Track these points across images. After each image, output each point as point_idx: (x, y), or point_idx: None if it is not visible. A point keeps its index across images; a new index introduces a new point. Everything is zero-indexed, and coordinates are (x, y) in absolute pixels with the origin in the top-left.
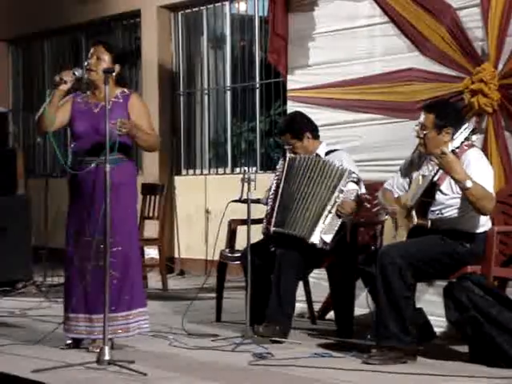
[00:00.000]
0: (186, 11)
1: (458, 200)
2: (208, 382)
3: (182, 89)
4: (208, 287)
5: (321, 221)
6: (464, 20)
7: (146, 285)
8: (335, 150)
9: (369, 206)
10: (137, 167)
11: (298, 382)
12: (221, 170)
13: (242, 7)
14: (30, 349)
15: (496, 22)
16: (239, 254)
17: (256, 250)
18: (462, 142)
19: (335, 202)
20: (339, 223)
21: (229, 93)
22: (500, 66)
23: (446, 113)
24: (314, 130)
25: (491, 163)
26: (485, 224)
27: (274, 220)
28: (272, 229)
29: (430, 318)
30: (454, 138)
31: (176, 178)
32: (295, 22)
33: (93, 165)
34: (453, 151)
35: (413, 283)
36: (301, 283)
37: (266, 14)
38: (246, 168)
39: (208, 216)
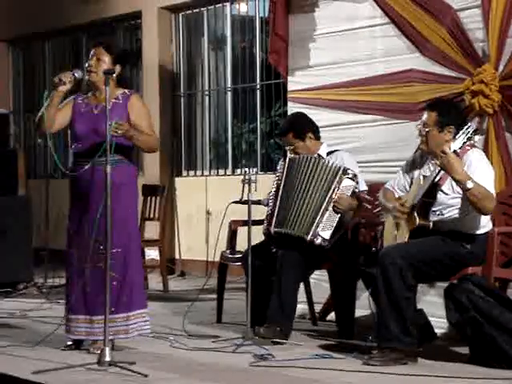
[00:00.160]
0: (187, 12)
1: (459, 200)
2: (208, 383)
3: (182, 90)
4: (209, 288)
5: (318, 218)
6: (465, 21)
7: (146, 286)
8: (336, 151)
9: (370, 207)
10: (137, 168)
11: (299, 383)
12: (221, 171)
13: (242, 8)
14: (30, 350)
15: (497, 23)
16: (240, 255)
17: (257, 251)
18: (465, 143)
19: (331, 198)
20: (337, 219)
21: (229, 94)
22: (501, 67)
23: (449, 111)
24: (315, 130)
25: (492, 164)
26: (486, 225)
27: (274, 220)
28: (273, 229)
29: (430, 319)
30: (456, 137)
31: (177, 179)
32: (296, 23)
33: (86, 167)
34: (454, 151)
35: (413, 284)
36: (302, 284)
37: (266, 15)
38: (246, 169)
39: (209, 217)
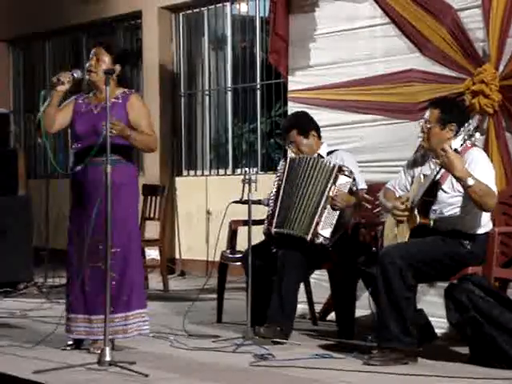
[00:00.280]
0: (187, 12)
1: (460, 198)
2: (209, 382)
3: (182, 90)
4: (209, 288)
5: (316, 217)
6: (465, 21)
7: (146, 286)
8: (336, 151)
9: (370, 206)
10: (137, 168)
11: (299, 382)
12: (222, 171)
13: (242, 8)
14: (30, 350)
15: (497, 23)
16: (240, 255)
17: (257, 251)
18: (466, 140)
19: (328, 196)
20: (336, 216)
21: (230, 94)
22: (501, 67)
23: (452, 109)
24: (317, 129)
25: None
26: (486, 225)
27: (275, 221)
28: (273, 230)
29: (430, 319)
30: (457, 135)
31: (177, 178)
32: (296, 22)
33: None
34: (455, 150)
35: (413, 284)
36: (302, 284)
37: (266, 14)
38: (246, 169)
39: (209, 217)
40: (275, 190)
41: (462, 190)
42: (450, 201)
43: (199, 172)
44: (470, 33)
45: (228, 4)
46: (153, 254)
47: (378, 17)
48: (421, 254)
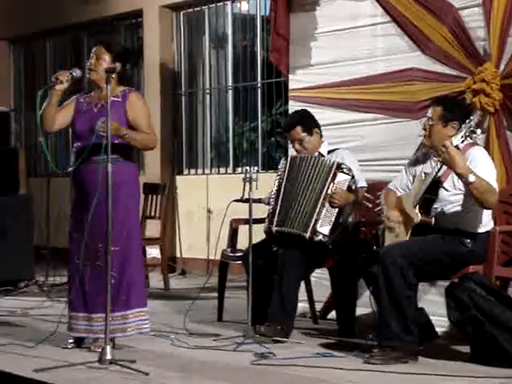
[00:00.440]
0: (188, 11)
1: (461, 197)
2: (209, 381)
3: (183, 88)
4: (209, 287)
5: (315, 215)
6: (466, 20)
7: (147, 284)
8: (337, 149)
9: (370, 205)
10: (137, 167)
11: (300, 381)
12: (222, 170)
13: (243, 7)
14: (31, 348)
15: (498, 21)
16: (241, 254)
17: (258, 250)
18: (467, 136)
19: (327, 194)
20: (335, 214)
21: (230, 92)
22: (502, 66)
23: (454, 107)
24: (319, 127)
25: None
26: (487, 224)
27: (276, 219)
28: (274, 228)
29: (431, 317)
30: (459, 131)
31: (178, 177)
32: (297, 21)
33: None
34: (456, 146)
35: (414, 283)
36: (302, 283)
37: (267, 13)
38: (247, 167)
39: (210, 215)
40: (276, 188)
41: (463, 188)
42: (451, 199)
43: (200, 170)
44: (471, 32)
45: (229, 3)
46: (153, 252)
47: (379, 15)
48: (422, 253)
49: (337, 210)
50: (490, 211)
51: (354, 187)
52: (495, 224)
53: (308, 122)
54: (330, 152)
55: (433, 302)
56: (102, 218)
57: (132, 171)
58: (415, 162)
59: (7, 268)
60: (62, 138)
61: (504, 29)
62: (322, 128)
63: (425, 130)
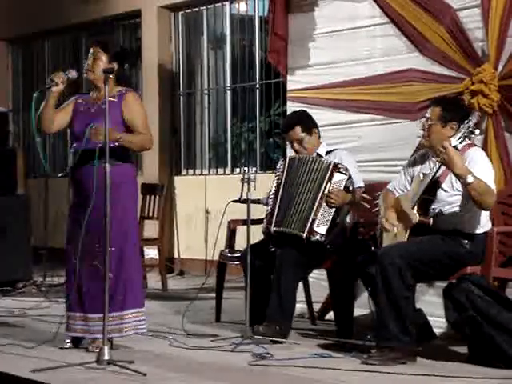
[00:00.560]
0: (187, 11)
1: (459, 197)
2: (208, 381)
3: (182, 89)
4: (208, 287)
5: (312, 215)
6: (464, 21)
7: (145, 285)
8: (335, 150)
9: (369, 206)
10: (135, 168)
11: (298, 382)
12: (221, 170)
13: (242, 7)
14: (29, 349)
15: (496, 22)
16: (239, 254)
17: (256, 251)
18: (466, 136)
19: (324, 194)
20: (332, 213)
21: (229, 93)
22: (500, 67)
23: (453, 108)
24: (318, 128)
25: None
26: (485, 225)
27: (274, 220)
28: (273, 229)
29: (429, 318)
30: (457, 132)
31: (176, 178)
32: (295, 22)
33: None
34: (455, 147)
35: (412, 284)
36: (300, 283)
37: (266, 14)
38: (245, 168)
39: (208, 216)
40: (274, 189)
41: (461, 188)
42: (449, 199)
43: (198, 171)
44: (469, 32)
45: (227, 3)
46: (151, 253)
47: (377, 16)
48: (420, 254)
49: (334, 209)
50: (487, 212)
51: (351, 187)
52: (493, 225)
53: (307, 122)
54: (328, 153)
55: (431, 303)
56: (99, 218)
57: (130, 172)
58: (414, 162)
59: (5, 268)
60: (60, 138)
61: (502, 30)
62: (321, 129)
63: (423, 130)
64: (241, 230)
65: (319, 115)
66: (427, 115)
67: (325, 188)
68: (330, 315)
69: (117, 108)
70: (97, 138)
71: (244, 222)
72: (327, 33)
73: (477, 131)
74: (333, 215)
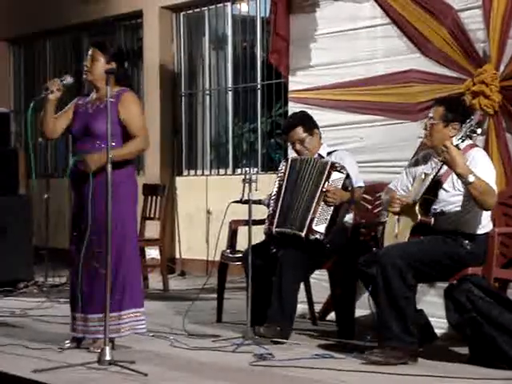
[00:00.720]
0: (188, 12)
1: (461, 198)
2: (208, 382)
3: (183, 89)
4: (209, 288)
5: (310, 214)
6: (465, 21)
7: (146, 285)
8: (336, 151)
9: (370, 207)
10: (135, 169)
11: (299, 382)
12: (222, 171)
13: (243, 8)
14: (30, 349)
15: (498, 23)
16: (240, 255)
17: (257, 251)
18: (467, 136)
19: (321, 192)
20: (330, 212)
21: (230, 93)
22: (501, 68)
23: (456, 108)
24: (319, 128)
25: None
26: (486, 225)
27: (276, 220)
28: (274, 229)
29: (430, 319)
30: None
31: (177, 178)
32: (297, 23)
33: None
34: (456, 146)
35: (413, 284)
36: (302, 284)
37: (267, 14)
38: (247, 169)
39: (209, 216)
40: (276, 189)
41: (462, 189)
42: (450, 199)
43: (199, 172)
44: (471, 33)
45: (229, 4)
46: (153, 253)
47: (379, 17)
48: (421, 254)
49: (332, 208)
50: (489, 213)
51: (349, 186)
52: (494, 226)
53: (308, 123)
54: (329, 153)
55: (432, 304)
56: (98, 218)
57: (130, 171)
58: (416, 163)
59: (6, 268)
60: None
61: (504, 30)
62: (322, 129)
63: (426, 129)
64: (242, 231)
65: (320, 116)
66: (430, 115)
67: (323, 187)
68: (331, 316)
69: (113, 108)
70: (88, 170)
71: (245, 223)
72: (328, 33)
73: (478, 130)
74: (331, 214)
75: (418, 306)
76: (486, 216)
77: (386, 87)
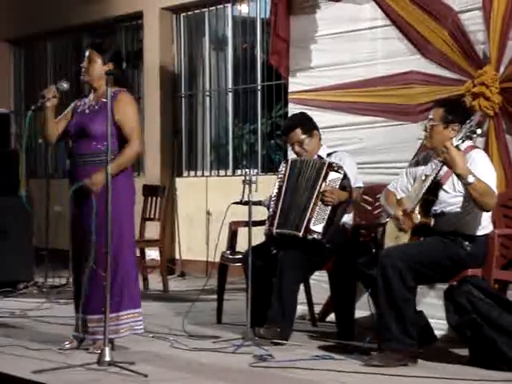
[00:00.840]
0: (188, 13)
1: (461, 199)
2: (208, 383)
3: (183, 90)
4: (209, 289)
5: (308, 214)
6: (466, 23)
7: (146, 286)
8: (336, 152)
9: (370, 208)
10: (138, 169)
11: (299, 383)
12: (222, 172)
13: (243, 9)
14: (30, 349)
15: (498, 25)
16: (240, 256)
17: (257, 252)
18: (467, 136)
19: (319, 192)
20: (328, 211)
21: (230, 95)
22: (501, 69)
23: (457, 110)
24: (318, 130)
25: None
26: (486, 226)
27: (276, 221)
28: (275, 230)
29: (430, 320)
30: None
31: (177, 179)
32: (297, 24)
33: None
34: (456, 147)
35: (413, 286)
36: (301, 285)
37: (267, 16)
38: (247, 170)
39: (209, 217)
40: (276, 191)
41: (462, 190)
42: (450, 201)
43: (199, 173)
44: (471, 35)
45: (229, 5)
46: (153, 254)
47: (379, 19)
48: (421, 256)
49: (330, 208)
50: (489, 214)
51: (347, 186)
52: (494, 228)
53: (308, 124)
54: (329, 155)
55: (432, 305)
56: (97, 218)
57: (127, 172)
58: (416, 164)
59: (6, 269)
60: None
61: (504, 32)
62: (322, 130)
63: (426, 131)
64: (242, 232)
65: (320, 117)
66: (430, 116)
67: (320, 186)
68: (331, 317)
69: (110, 109)
70: (95, 191)
71: (245, 224)
72: (329, 35)
73: (478, 130)
74: (329, 214)
75: (418, 308)
76: (486, 217)
77: (386, 88)
